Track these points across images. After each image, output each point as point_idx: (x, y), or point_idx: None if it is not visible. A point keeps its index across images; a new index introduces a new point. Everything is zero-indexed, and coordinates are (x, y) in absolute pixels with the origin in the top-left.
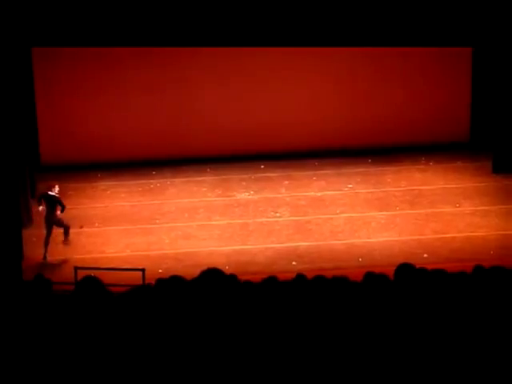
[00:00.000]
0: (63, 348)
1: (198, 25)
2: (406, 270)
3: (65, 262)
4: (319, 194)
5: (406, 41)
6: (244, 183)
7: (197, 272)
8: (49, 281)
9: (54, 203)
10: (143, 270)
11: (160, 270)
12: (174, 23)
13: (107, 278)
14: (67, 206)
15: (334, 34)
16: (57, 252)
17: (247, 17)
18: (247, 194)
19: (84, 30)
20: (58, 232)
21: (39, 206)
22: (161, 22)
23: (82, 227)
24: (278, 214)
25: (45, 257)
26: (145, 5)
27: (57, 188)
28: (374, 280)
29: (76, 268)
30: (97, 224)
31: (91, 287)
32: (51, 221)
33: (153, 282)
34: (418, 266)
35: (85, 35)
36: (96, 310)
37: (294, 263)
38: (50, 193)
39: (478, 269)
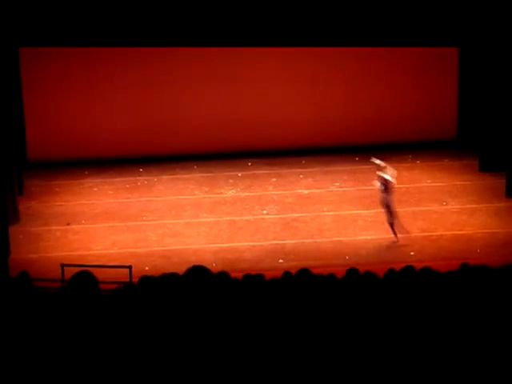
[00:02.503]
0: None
1: (185, 25)
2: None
3: (51, 259)
4: (306, 191)
5: (394, 41)
6: (231, 180)
7: (183, 269)
8: (29, 278)
9: (385, 184)
10: (130, 267)
11: (146, 268)
12: (159, 24)
13: (94, 275)
14: (55, 203)
15: (321, 34)
16: (43, 249)
17: (238, 17)
18: (234, 191)
19: (71, 30)
20: (45, 229)
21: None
22: (147, 22)
23: (68, 224)
24: (265, 212)
25: (395, 234)
26: (131, 5)
27: (389, 170)
28: (358, 277)
29: (62, 265)
30: (83, 221)
31: (84, 283)
32: (384, 201)
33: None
34: (404, 264)
35: (72, 36)
36: (88, 306)
37: (280, 261)
38: (379, 173)
39: (465, 267)
